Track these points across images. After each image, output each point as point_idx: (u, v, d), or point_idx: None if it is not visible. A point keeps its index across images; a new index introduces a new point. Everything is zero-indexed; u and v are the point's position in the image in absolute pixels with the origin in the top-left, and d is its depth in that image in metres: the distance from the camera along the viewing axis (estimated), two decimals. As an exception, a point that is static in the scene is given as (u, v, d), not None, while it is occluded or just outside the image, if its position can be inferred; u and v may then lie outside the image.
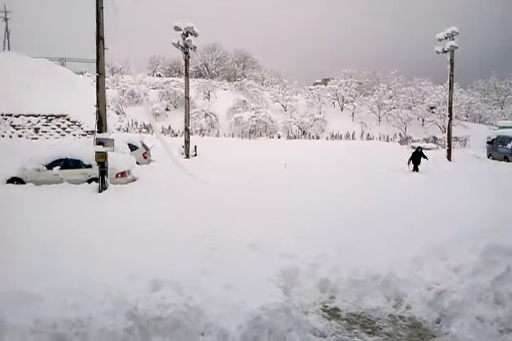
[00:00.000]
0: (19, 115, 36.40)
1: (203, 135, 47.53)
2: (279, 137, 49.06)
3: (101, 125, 14.10)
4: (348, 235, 8.80)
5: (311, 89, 59.86)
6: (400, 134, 49.81)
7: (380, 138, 49.09)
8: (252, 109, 50.53)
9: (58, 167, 14.55)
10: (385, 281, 6.83)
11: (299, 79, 63.19)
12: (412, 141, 44.38)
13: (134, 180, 15.48)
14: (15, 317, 4.89)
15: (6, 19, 63.07)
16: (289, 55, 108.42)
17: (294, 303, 6.12)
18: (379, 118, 53.30)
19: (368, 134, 49.82)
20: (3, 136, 33.36)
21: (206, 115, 49.92)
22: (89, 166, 14.56)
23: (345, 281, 6.86)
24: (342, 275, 6.98)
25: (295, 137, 49.80)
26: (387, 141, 48.48)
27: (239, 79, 63.19)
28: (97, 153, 13.68)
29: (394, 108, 52.90)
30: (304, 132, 50.53)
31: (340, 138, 49.48)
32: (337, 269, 7.12)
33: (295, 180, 16.13)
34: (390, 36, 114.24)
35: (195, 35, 25.58)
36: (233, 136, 48.79)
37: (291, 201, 12.29)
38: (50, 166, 14.59)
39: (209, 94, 57.10)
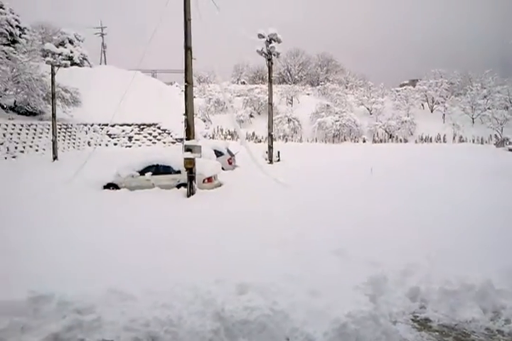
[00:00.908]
0: (114, 124, 39.08)
1: (286, 140, 47.74)
2: (364, 141, 47.97)
3: (189, 132, 14.65)
4: (442, 243, 8.36)
5: (398, 91, 57.98)
6: (495, 136, 46.66)
7: (473, 141, 46.32)
8: (336, 113, 49.91)
9: (150, 173, 15.33)
10: (481, 292, 6.40)
11: (385, 81, 61.49)
12: (510, 143, 41.39)
13: (220, 185, 15.90)
14: (111, 315, 5.21)
15: (102, 35, 68.31)
16: (374, 56, 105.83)
17: (382, 312, 5.92)
18: (472, 119, 50.34)
19: (461, 136, 47.22)
20: (100, 145, 35.82)
21: (289, 120, 50.11)
22: (179, 172, 15.18)
23: (436, 291, 6.52)
24: (433, 284, 6.64)
25: (381, 141, 48.44)
26: (482, 143, 45.63)
27: (322, 83, 62.80)
28: (185, 159, 14.23)
29: (489, 108, 49.66)
30: (390, 135, 48.99)
31: (430, 140, 47.35)
32: (428, 278, 6.79)
33: (382, 185, 15.67)
34: (482, 33, 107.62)
35: (279, 41, 25.79)
36: (316, 140, 48.48)
37: (378, 206, 11.92)
38: (142, 172, 15.41)
39: (292, 100, 57.29)
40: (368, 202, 12.57)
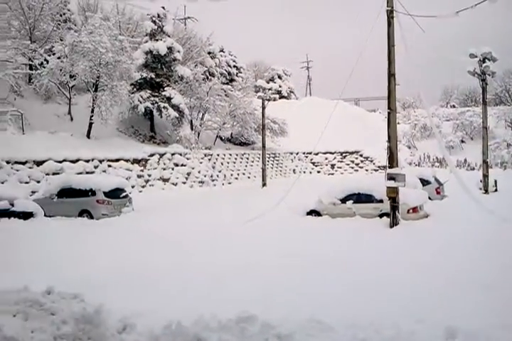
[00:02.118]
0: (317, 153, 40.65)
1: (505, 168, 42.70)
2: None
3: (392, 160, 14.19)
4: None
5: None
6: None
7: None
8: None
9: (351, 201, 15.23)
10: None
11: None
12: None
13: (427, 216, 14.90)
14: (310, 345, 5.18)
15: (307, 68, 72.51)
16: None
17: None
18: None
19: None
20: (304, 172, 37.46)
21: (508, 145, 44.84)
22: (381, 201, 14.74)
23: None
24: None
25: None
26: None
27: (550, 102, 54.85)
28: (388, 188, 13.75)
29: None
30: None
31: None
32: None
33: None
34: None
35: (494, 60, 23.53)
36: (544, 168, 42.19)
37: None
38: (343, 200, 15.41)
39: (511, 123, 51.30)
40: None
